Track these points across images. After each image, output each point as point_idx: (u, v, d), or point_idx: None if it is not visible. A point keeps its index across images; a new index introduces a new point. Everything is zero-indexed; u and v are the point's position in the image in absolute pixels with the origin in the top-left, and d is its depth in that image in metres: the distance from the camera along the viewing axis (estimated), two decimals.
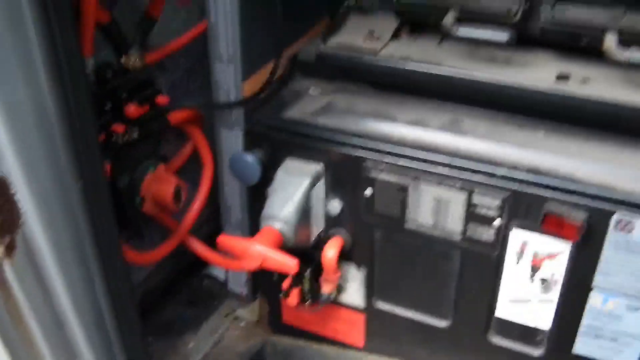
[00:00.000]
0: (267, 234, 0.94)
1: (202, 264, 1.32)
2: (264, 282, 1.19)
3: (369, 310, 1.10)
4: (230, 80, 1.01)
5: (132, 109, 0.92)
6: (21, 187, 0.64)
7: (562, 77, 0.95)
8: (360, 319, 1.12)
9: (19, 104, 0.62)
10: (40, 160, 0.66)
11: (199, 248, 1.09)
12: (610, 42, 0.92)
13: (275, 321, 1.21)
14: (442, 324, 1.06)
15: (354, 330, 1.13)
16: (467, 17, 1.00)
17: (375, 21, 1.10)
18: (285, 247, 0.96)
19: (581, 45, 0.97)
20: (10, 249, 0.67)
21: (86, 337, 0.79)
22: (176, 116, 1.01)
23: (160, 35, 1.03)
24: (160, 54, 1.01)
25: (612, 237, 0.87)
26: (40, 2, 0.60)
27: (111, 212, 0.76)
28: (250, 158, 0.98)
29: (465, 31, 0.97)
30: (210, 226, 1.22)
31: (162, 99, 0.96)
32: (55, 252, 0.70)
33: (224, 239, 0.94)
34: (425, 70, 0.98)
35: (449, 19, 0.98)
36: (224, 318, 1.23)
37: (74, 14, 0.69)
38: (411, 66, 0.99)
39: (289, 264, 0.90)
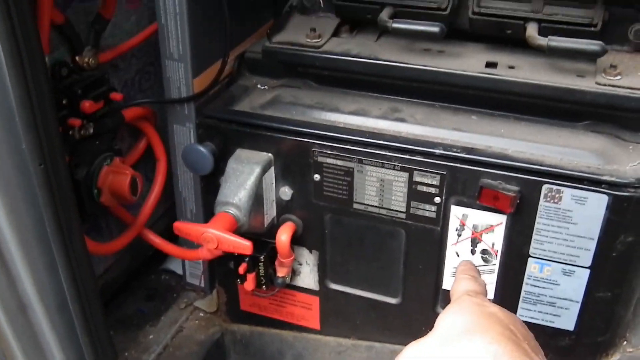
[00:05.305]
0: (221, 219, 0.98)
1: (159, 260, 1.35)
2: (221, 272, 1.23)
3: (323, 292, 1.15)
4: (181, 77, 1.06)
5: (88, 105, 0.96)
6: None
7: (491, 65, 1.03)
8: (315, 302, 1.16)
9: None
10: (1, 145, 0.68)
11: (156, 240, 1.13)
12: (531, 31, 1.00)
13: (233, 310, 1.25)
14: (392, 300, 1.11)
15: (309, 313, 1.17)
16: (401, 12, 1.07)
17: (317, 20, 1.16)
18: (239, 232, 1.01)
19: (507, 35, 1.05)
20: None
21: (49, 321, 0.80)
22: (130, 112, 1.06)
23: (113, 36, 1.08)
24: (114, 53, 1.06)
25: (544, 207, 0.94)
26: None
27: (72, 196, 0.79)
28: (203, 148, 1.03)
29: (400, 25, 1.03)
30: (166, 222, 1.25)
31: (116, 96, 1.01)
32: (18, 235, 0.73)
33: (180, 225, 0.98)
34: (364, 61, 1.05)
35: (384, 14, 1.05)
36: (182, 310, 1.26)
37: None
38: (351, 59, 1.05)
39: (244, 244, 0.94)
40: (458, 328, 0.63)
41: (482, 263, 1.01)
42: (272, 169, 1.05)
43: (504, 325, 0.64)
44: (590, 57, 0.99)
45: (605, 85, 0.95)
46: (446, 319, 0.66)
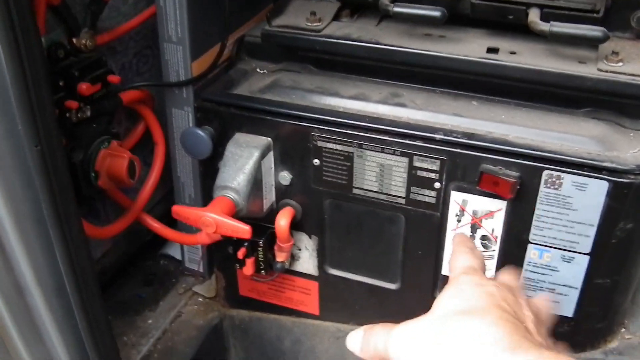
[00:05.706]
0: (220, 203, 0.98)
1: (157, 245, 1.34)
2: (219, 257, 1.22)
3: (322, 278, 1.15)
4: (179, 60, 1.05)
5: (85, 87, 0.95)
6: None
7: (492, 50, 1.02)
8: (314, 287, 1.16)
9: None
10: None
11: (154, 224, 1.13)
12: (533, 16, 0.99)
13: (232, 295, 1.25)
14: (391, 286, 1.11)
15: (308, 298, 1.17)
16: None
17: (317, 4, 1.15)
18: (238, 216, 1.00)
19: (508, 21, 1.04)
20: None
21: (47, 305, 0.80)
22: (128, 95, 1.05)
23: (111, 19, 1.06)
24: (111, 36, 1.04)
25: (544, 193, 0.93)
26: None
27: (69, 178, 0.78)
28: (202, 131, 1.02)
29: (401, 10, 1.02)
30: (164, 207, 1.24)
31: (113, 78, 1.00)
32: (14, 218, 0.72)
33: (178, 209, 0.98)
34: (364, 45, 1.04)
35: None
36: (181, 295, 1.26)
37: None
38: (351, 43, 1.05)
39: (243, 228, 0.94)
40: (457, 309, 0.63)
41: (482, 249, 1.01)
42: (271, 153, 1.04)
43: (502, 307, 0.64)
44: (592, 43, 0.98)
45: (606, 71, 0.94)
46: (444, 300, 0.66)
